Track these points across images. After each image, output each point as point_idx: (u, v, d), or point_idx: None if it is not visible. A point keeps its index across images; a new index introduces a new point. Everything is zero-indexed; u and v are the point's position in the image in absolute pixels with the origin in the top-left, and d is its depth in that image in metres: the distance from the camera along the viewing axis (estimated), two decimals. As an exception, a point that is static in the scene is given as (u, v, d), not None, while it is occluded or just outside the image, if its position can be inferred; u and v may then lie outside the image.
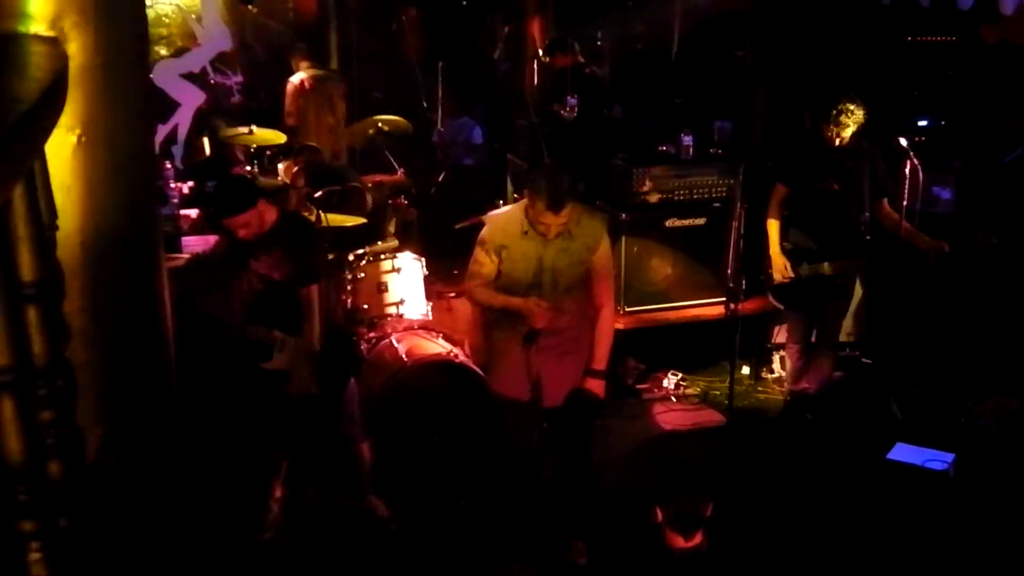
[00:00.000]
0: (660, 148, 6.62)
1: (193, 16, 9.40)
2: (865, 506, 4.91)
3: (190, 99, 8.91)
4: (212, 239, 5.34)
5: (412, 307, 5.64)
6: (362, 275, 5.58)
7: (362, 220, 5.62)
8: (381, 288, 5.60)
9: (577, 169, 7.07)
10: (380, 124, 7.31)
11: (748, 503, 4.90)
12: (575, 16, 10.06)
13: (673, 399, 6.32)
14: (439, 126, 9.36)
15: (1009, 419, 5.67)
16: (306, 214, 5.57)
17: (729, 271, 5.08)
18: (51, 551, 1.79)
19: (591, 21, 10.59)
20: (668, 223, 6.32)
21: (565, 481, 4.51)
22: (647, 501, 3.77)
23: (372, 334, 5.61)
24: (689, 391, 6.40)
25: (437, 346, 5.43)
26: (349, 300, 5.53)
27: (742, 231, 5.23)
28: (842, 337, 6.25)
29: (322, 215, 5.06)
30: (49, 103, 1.87)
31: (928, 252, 5.54)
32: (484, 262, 4.21)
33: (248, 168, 7.32)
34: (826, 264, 5.59)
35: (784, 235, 5.65)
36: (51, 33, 2.13)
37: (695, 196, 6.39)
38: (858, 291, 6.20)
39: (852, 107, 5.33)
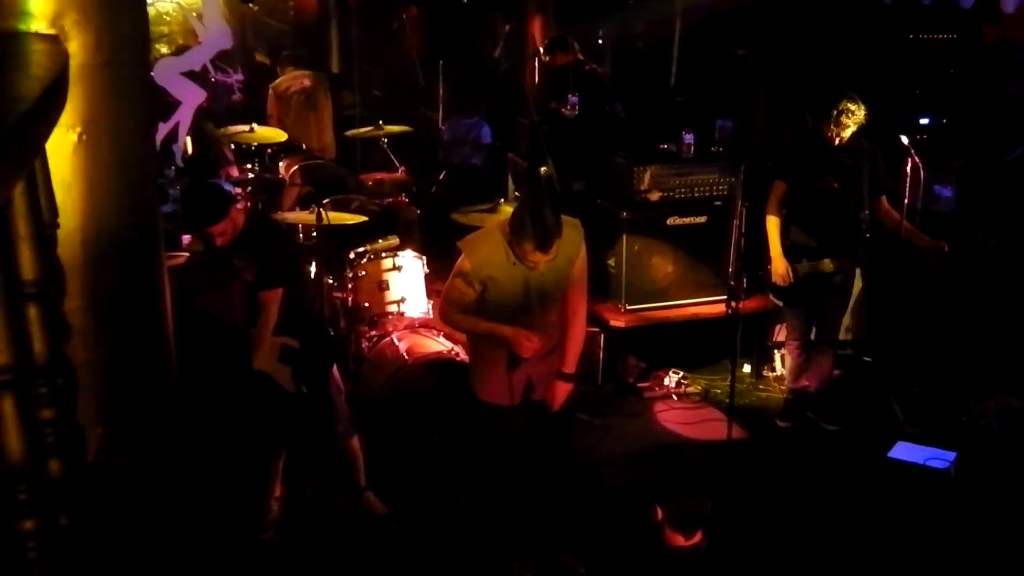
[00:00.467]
0: (661, 146, 6.62)
1: (194, 14, 9.41)
2: (866, 505, 4.92)
3: (191, 97, 8.91)
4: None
5: (413, 305, 5.64)
6: (363, 273, 5.59)
7: (363, 219, 5.62)
8: (382, 286, 5.60)
9: (578, 167, 7.12)
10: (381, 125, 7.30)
11: (748, 502, 4.90)
12: (576, 15, 10.07)
13: (674, 397, 6.32)
14: (440, 125, 9.37)
15: (1010, 418, 5.67)
16: (307, 213, 5.58)
17: (730, 269, 5.07)
18: (51, 550, 1.79)
19: (592, 20, 10.59)
20: (669, 221, 6.32)
21: (545, 491, 4.49)
22: (647, 500, 3.77)
23: (373, 332, 5.61)
24: (690, 389, 6.40)
25: (438, 344, 5.43)
26: (350, 298, 5.54)
27: (743, 230, 5.22)
28: (843, 336, 6.25)
29: (323, 214, 5.07)
30: (50, 101, 1.87)
31: (927, 251, 5.53)
32: (465, 291, 4.07)
33: (243, 167, 7.33)
34: (826, 261, 5.59)
35: (784, 233, 5.65)
36: (52, 31, 2.13)
37: (696, 194, 6.39)
38: (857, 288, 6.19)
39: (852, 107, 5.33)
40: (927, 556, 4.51)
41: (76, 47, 2.17)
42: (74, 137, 2.21)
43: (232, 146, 7.58)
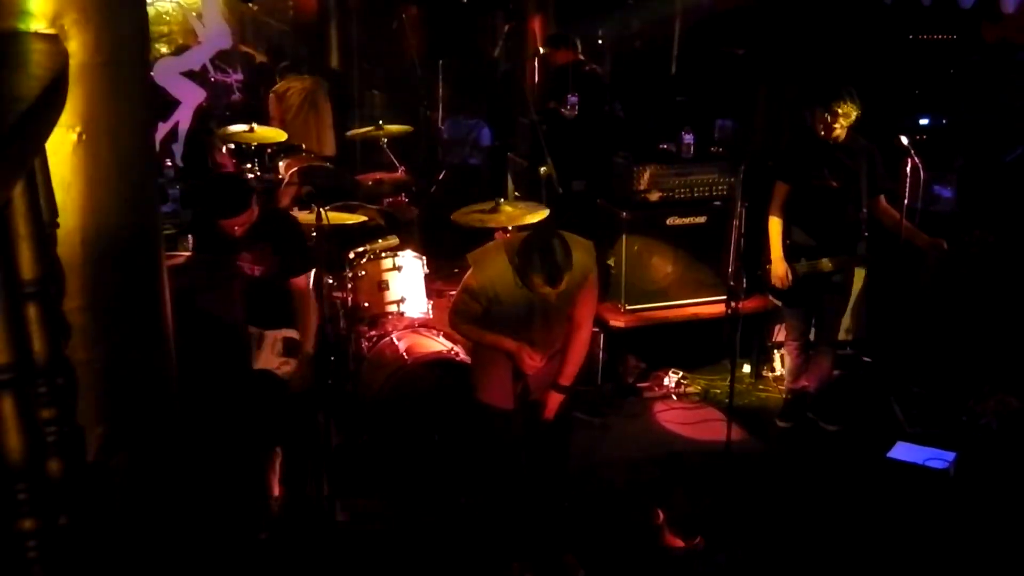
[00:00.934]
0: (661, 146, 6.62)
1: (194, 14, 9.41)
2: (866, 505, 4.91)
3: (191, 97, 8.92)
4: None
5: (413, 305, 5.64)
6: (363, 273, 5.59)
7: (363, 219, 5.62)
8: (382, 286, 5.60)
9: (577, 167, 7.12)
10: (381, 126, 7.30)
11: (748, 502, 4.90)
12: (576, 14, 10.07)
13: (674, 397, 6.32)
14: (440, 124, 9.38)
15: (1010, 418, 5.67)
16: (307, 213, 5.57)
17: (730, 269, 5.07)
18: (51, 550, 1.79)
19: (592, 19, 10.60)
20: (669, 221, 6.32)
21: (543, 491, 4.50)
22: (649, 501, 3.78)
23: (372, 332, 5.61)
24: (690, 390, 6.40)
25: (438, 344, 5.43)
26: (350, 298, 5.53)
27: (743, 230, 5.22)
28: (842, 336, 6.25)
29: (323, 213, 5.06)
30: (50, 101, 1.87)
31: (927, 250, 5.53)
32: (471, 306, 4.08)
33: (243, 166, 7.33)
34: (824, 261, 5.60)
35: (785, 233, 5.65)
36: (51, 31, 2.13)
37: (696, 194, 6.39)
38: (857, 288, 6.19)
39: (849, 103, 5.34)
40: (927, 556, 4.51)
41: (76, 46, 2.17)
42: (74, 137, 2.21)
43: (224, 150, 7.58)
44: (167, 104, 8.65)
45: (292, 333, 4.65)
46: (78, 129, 2.21)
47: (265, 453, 4.79)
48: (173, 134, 8.76)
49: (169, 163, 8.08)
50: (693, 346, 6.51)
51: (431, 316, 5.73)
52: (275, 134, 7.36)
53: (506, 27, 10.09)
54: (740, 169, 5.24)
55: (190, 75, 9.05)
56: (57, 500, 1.86)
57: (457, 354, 5.28)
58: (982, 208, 6.45)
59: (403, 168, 7.49)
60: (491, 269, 4.04)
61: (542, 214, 5.76)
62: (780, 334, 6.36)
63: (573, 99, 7.40)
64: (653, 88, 10.01)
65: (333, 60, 11.42)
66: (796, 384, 6.00)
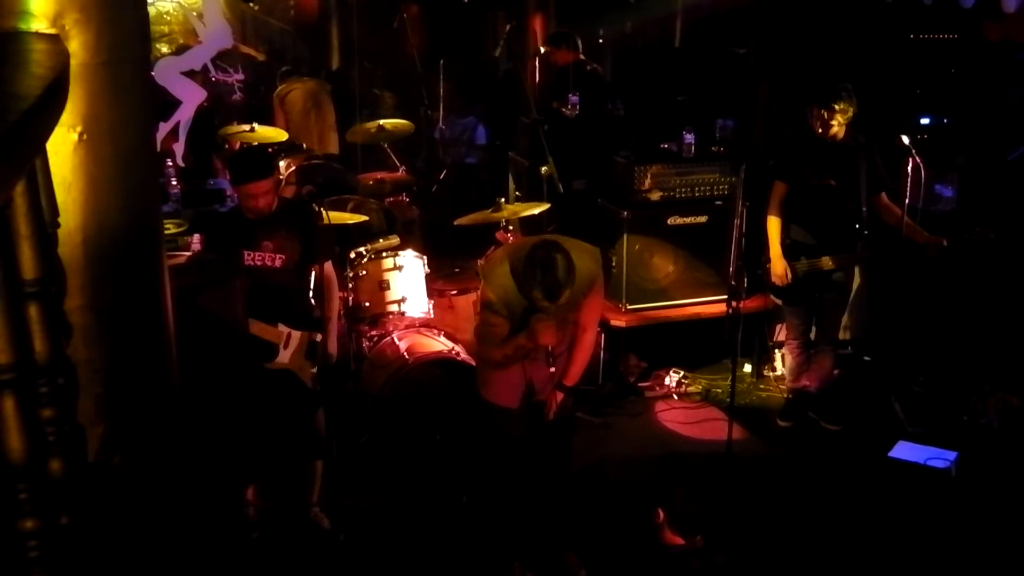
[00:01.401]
0: (662, 146, 6.62)
1: (195, 13, 9.41)
2: (867, 504, 4.91)
3: (191, 97, 8.90)
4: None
5: (413, 305, 5.63)
6: (363, 273, 5.59)
7: (363, 218, 5.62)
8: (383, 286, 5.60)
9: (579, 166, 7.12)
10: (382, 125, 7.29)
11: (748, 501, 4.90)
12: (577, 13, 10.07)
13: (675, 397, 6.32)
14: (440, 124, 9.38)
15: (1011, 417, 5.66)
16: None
17: (731, 269, 5.07)
18: (52, 549, 1.79)
19: (592, 18, 10.59)
20: (670, 221, 6.31)
21: (545, 491, 4.49)
22: (650, 500, 3.77)
23: (373, 332, 5.61)
24: (691, 389, 6.40)
25: (439, 344, 5.43)
26: (351, 297, 5.53)
27: (744, 229, 5.22)
28: (843, 335, 6.25)
29: (324, 212, 5.05)
30: (50, 101, 1.87)
31: (927, 247, 5.53)
32: (497, 322, 4.05)
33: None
34: (825, 259, 5.60)
35: (783, 231, 5.65)
36: (52, 31, 2.13)
37: (697, 194, 6.39)
38: (857, 287, 6.19)
39: (846, 100, 5.35)
40: (927, 556, 4.51)
41: (77, 46, 2.17)
42: (75, 136, 2.21)
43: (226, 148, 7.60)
44: (168, 104, 8.64)
45: (318, 336, 4.63)
46: (79, 129, 2.21)
47: (265, 453, 4.78)
48: (174, 134, 8.75)
49: (170, 163, 8.07)
50: (694, 346, 6.51)
51: (432, 316, 5.73)
52: (276, 134, 7.36)
53: (507, 26, 10.07)
54: (741, 168, 5.24)
55: (191, 75, 9.04)
56: (58, 500, 1.86)
57: (458, 354, 5.28)
58: (983, 207, 6.44)
59: (404, 168, 7.48)
60: (500, 279, 4.03)
61: (542, 206, 5.78)
62: (781, 333, 6.36)
63: (574, 98, 7.39)
64: (654, 87, 10.00)
65: (334, 59, 11.43)
66: (797, 383, 5.99)
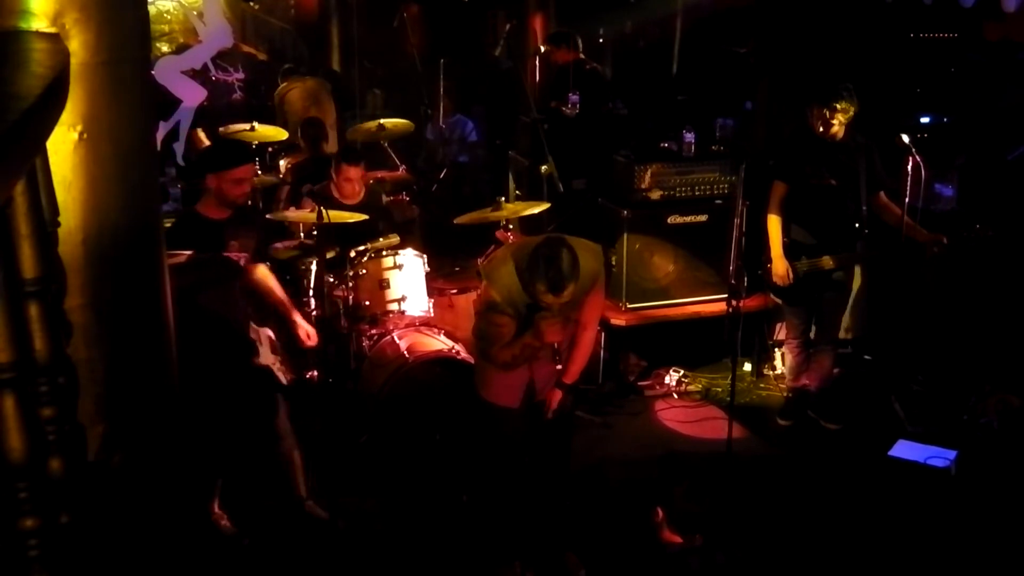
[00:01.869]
0: (662, 145, 6.62)
1: (195, 12, 9.41)
2: (867, 504, 4.91)
3: (192, 96, 8.91)
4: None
5: (413, 304, 5.63)
6: (364, 272, 5.59)
7: (363, 217, 5.62)
8: (383, 285, 5.60)
9: (579, 165, 7.12)
10: (383, 124, 7.29)
11: (748, 500, 4.90)
12: (577, 13, 10.07)
13: (675, 396, 6.32)
14: (440, 123, 9.38)
15: (1011, 416, 5.66)
16: (307, 212, 5.58)
17: (731, 268, 5.07)
18: (52, 548, 1.79)
19: (592, 18, 10.59)
20: (670, 220, 6.31)
21: (545, 490, 4.50)
22: (649, 499, 3.78)
23: (373, 331, 5.61)
24: (691, 388, 6.40)
25: (439, 343, 5.43)
26: (351, 296, 5.54)
27: (744, 228, 5.22)
28: (843, 334, 6.25)
29: (323, 211, 5.06)
30: (51, 100, 1.87)
31: (927, 245, 5.53)
32: (504, 322, 4.02)
33: None
34: (825, 259, 5.60)
35: (783, 231, 5.65)
36: (53, 30, 2.13)
37: (697, 193, 6.39)
38: (857, 286, 6.19)
39: (846, 99, 5.35)
40: (927, 555, 4.51)
41: (77, 45, 2.17)
42: (75, 135, 2.21)
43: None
44: (168, 103, 8.65)
45: (270, 331, 4.70)
46: (79, 128, 2.21)
47: (264, 453, 4.79)
48: (174, 133, 8.76)
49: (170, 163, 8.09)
50: (694, 345, 6.50)
51: (432, 314, 5.73)
52: (276, 133, 7.36)
53: (507, 26, 10.08)
54: (741, 168, 5.24)
55: (191, 74, 9.04)
56: (58, 499, 1.86)
57: (458, 352, 5.28)
58: (983, 206, 6.44)
59: (404, 167, 7.49)
60: (504, 278, 4.02)
61: (542, 205, 5.78)
62: (781, 332, 6.36)
63: (574, 98, 7.40)
64: (654, 87, 10.00)
65: (334, 59, 11.43)
66: (797, 382, 6.00)
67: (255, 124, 7.12)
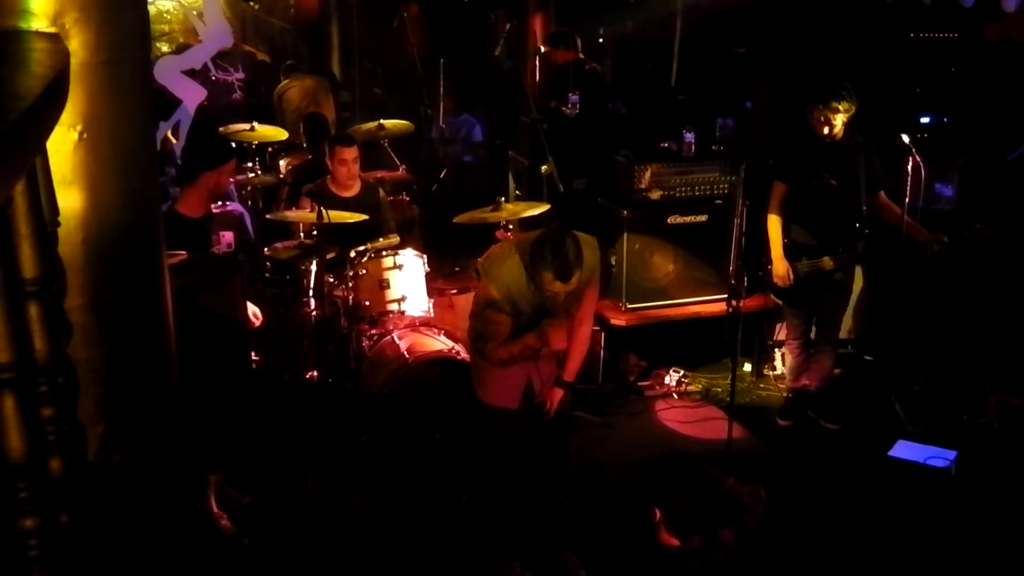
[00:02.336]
0: (662, 145, 6.62)
1: (195, 12, 9.39)
2: (867, 504, 4.91)
3: (192, 96, 8.89)
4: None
5: (413, 304, 5.64)
6: (363, 272, 5.59)
7: (363, 217, 5.62)
8: (383, 285, 5.60)
9: (578, 165, 7.12)
10: (382, 124, 7.29)
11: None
12: (577, 13, 10.07)
13: (675, 396, 6.32)
14: (440, 123, 9.38)
15: (1011, 417, 5.66)
16: (307, 212, 5.58)
17: (731, 268, 5.07)
18: (52, 548, 1.79)
19: (592, 18, 10.59)
20: (670, 220, 6.31)
21: (545, 490, 4.49)
22: (648, 500, 3.77)
23: (373, 331, 5.61)
24: (691, 388, 6.39)
25: (439, 343, 5.43)
26: (351, 296, 5.54)
27: (744, 228, 5.22)
28: (843, 334, 6.24)
29: (324, 212, 5.06)
30: (51, 100, 1.87)
31: (927, 244, 5.53)
32: (501, 320, 4.01)
33: (244, 165, 7.34)
34: (825, 259, 5.59)
35: (784, 232, 5.64)
36: (53, 30, 2.13)
37: (697, 193, 6.39)
38: (857, 287, 6.19)
39: (845, 98, 5.35)
40: (927, 555, 4.51)
41: (77, 45, 2.17)
42: (75, 135, 2.21)
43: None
44: (168, 103, 8.64)
45: None
46: (79, 128, 2.21)
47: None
48: (175, 133, 8.75)
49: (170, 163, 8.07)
50: (694, 345, 6.50)
51: (432, 315, 5.73)
52: (276, 133, 7.36)
53: (507, 25, 10.08)
54: (741, 168, 5.24)
55: (191, 74, 9.03)
56: (58, 499, 1.86)
57: (458, 353, 5.28)
58: (983, 206, 6.44)
59: (404, 167, 7.48)
60: (505, 274, 4.02)
61: (542, 206, 5.77)
62: (781, 333, 6.36)
63: (574, 98, 7.40)
64: (654, 86, 10.00)
65: (334, 59, 11.43)
66: (797, 383, 5.99)
67: (255, 124, 7.13)
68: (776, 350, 6.55)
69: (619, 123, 7.83)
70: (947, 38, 8.40)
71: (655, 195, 6.31)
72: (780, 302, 5.91)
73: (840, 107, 5.36)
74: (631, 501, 4.75)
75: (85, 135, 2.22)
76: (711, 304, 6.32)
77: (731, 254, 5.06)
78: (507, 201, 5.83)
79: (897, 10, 7.66)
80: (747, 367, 6.56)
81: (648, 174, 6.29)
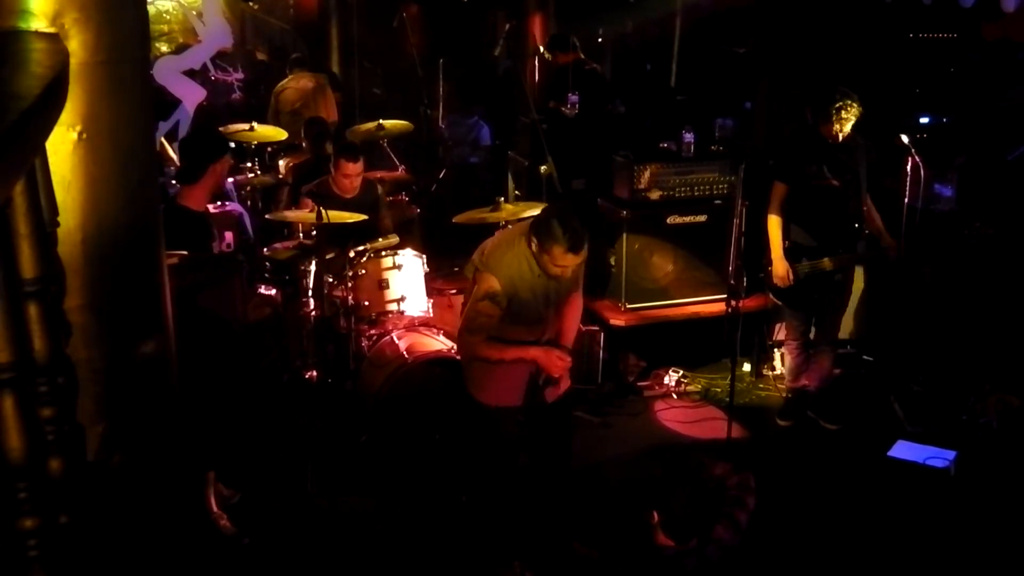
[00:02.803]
0: (661, 145, 6.62)
1: (194, 12, 9.40)
2: (866, 504, 4.91)
3: (191, 96, 8.91)
4: None
5: (413, 304, 5.64)
6: (363, 272, 5.59)
7: (363, 217, 5.62)
8: (382, 285, 5.60)
9: (578, 166, 7.12)
10: (382, 124, 7.29)
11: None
12: (576, 13, 10.07)
13: (674, 396, 6.32)
14: (440, 123, 9.38)
15: (1010, 417, 5.66)
16: (306, 212, 5.58)
17: (730, 268, 5.07)
18: (51, 548, 1.79)
19: (592, 18, 10.60)
20: (669, 220, 6.31)
21: (546, 488, 4.50)
22: (645, 500, 3.77)
23: (373, 331, 5.61)
24: (690, 388, 6.39)
25: (438, 343, 5.43)
26: (350, 296, 5.54)
27: (743, 228, 5.22)
28: (843, 335, 6.24)
29: (322, 211, 5.06)
30: (50, 100, 1.87)
31: (887, 248, 5.59)
32: (493, 314, 3.99)
33: (243, 165, 7.34)
34: (826, 260, 5.59)
35: (784, 233, 5.64)
36: (52, 30, 2.13)
37: (696, 193, 6.39)
38: (858, 288, 6.20)
39: (849, 101, 5.34)
40: (927, 555, 4.51)
41: (76, 45, 2.17)
42: (74, 135, 2.21)
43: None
44: (167, 103, 8.64)
45: None
46: (78, 128, 2.21)
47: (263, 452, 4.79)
48: (173, 133, 8.75)
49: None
50: (693, 345, 6.50)
51: (431, 315, 5.73)
52: (275, 133, 7.36)
53: (506, 26, 10.09)
54: (740, 168, 5.24)
55: (191, 74, 9.04)
56: (57, 499, 1.86)
57: (458, 353, 5.28)
58: (983, 206, 6.44)
59: (404, 167, 7.48)
60: (509, 265, 4.02)
61: (542, 206, 5.77)
62: (780, 333, 6.36)
63: (574, 98, 7.40)
64: (653, 87, 10.01)
65: (333, 59, 11.43)
66: (796, 383, 5.99)
67: (255, 124, 7.12)
68: (775, 350, 6.56)
69: (618, 123, 7.83)
70: (946, 38, 8.41)
71: (654, 195, 6.31)
72: (780, 303, 5.91)
73: (852, 112, 5.34)
74: (630, 501, 4.76)
75: (84, 135, 2.22)
76: (710, 304, 6.32)
77: (730, 254, 5.06)
78: (506, 201, 5.83)
79: (897, 10, 7.67)
80: (746, 367, 6.56)
81: (647, 174, 6.29)
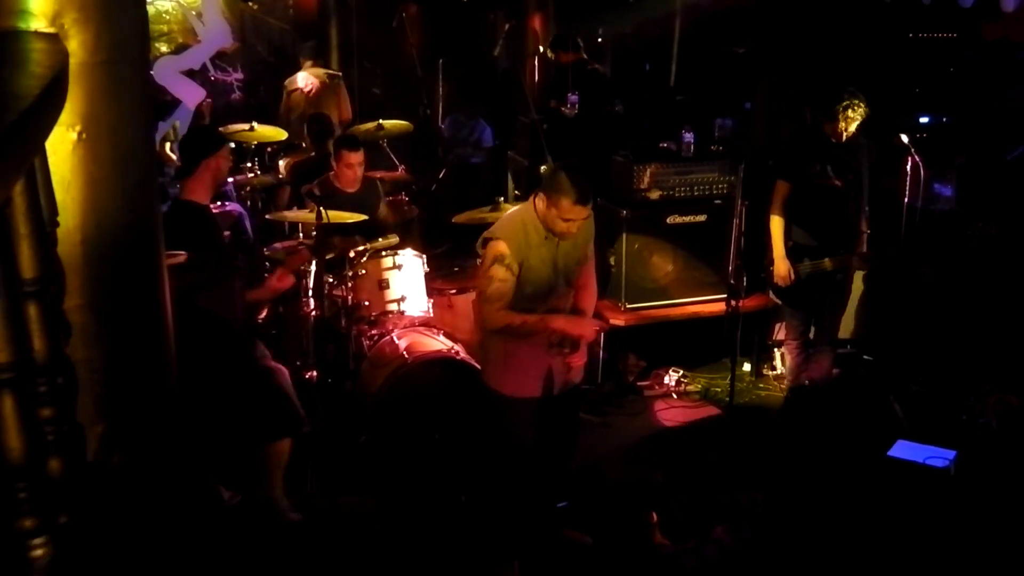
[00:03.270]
0: (661, 145, 6.62)
1: (194, 12, 9.39)
2: (866, 503, 4.91)
3: (191, 96, 8.89)
4: None
5: (413, 304, 5.64)
6: (363, 272, 5.59)
7: (363, 217, 5.62)
8: (382, 285, 5.60)
9: (578, 166, 7.12)
10: (381, 124, 7.29)
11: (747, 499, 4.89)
12: (576, 12, 10.08)
13: (674, 396, 6.32)
14: (440, 123, 9.38)
15: (1010, 416, 5.66)
16: (306, 212, 5.59)
17: (730, 268, 5.08)
18: (51, 549, 1.79)
19: (592, 17, 10.60)
20: (669, 220, 6.32)
21: (545, 491, 4.49)
22: (646, 501, 3.78)
23: (373, 331, 5.61)
24: (690, 388, 6.40)
25: (438, 343, 5.43)
26: (350, 296, 5.54)
27: (743, 228, 5.22)
28: (843, 334, 6.25)
29: (322, 211, 5.06)
30: (50, 100, 1.87)
31: (858, 255, 5.62)
32: (506, 278, 3.99)
33: (243, 166, 7.34)
34: (827, 260, 5.59)
35: (786, 232, 5.64)
36: (51, 30, 2.13)
37: (696, 193, 6.39)
38: (858, 288, 6.20)
39: (856, 101, 5.34)
40: (927, 555, 4.51)
41: (76, 45, 2.17)
42: (74, 135, 2.21)
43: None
44: (167, 103, 8.63)
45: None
46: (78, 128, 2.21)
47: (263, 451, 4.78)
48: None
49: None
50: (693, 344, 6.51)
51: (431, 315, 5.73)
52: (275, 133, 7.36)
53: (506, 26, 10.10)
54: (740, 168, 5.25)
55: (190, 74, 9.03)
56: (57, 499, 1.86)
57: (458, 353, 5.28)
58: (982, 206, 6.45)
59: (403, 167, 7.48)
60: (515, 230, 4.04)
61: None
62: (780, 333, 6.36)
63: (573, 98, 7.40)
64: (653, 87, 10.01)
65: (333, 59, 11.43)
66: (797, 383, 5.99)
67: (254, 124, 7.12)
68: (776, 350, 6.56)
69: (618, 123, 7.83)
70: (946, 38, 8.41)
71: (654, 195, 6.31)
72: (780, 302, 5.91)
73: (859, 112, 5.33)
74: (630, 500, 4.76)
75: (84, 135, 2.22)
76: (710, 304, 6.32)
77: (730, 254, 5.07)
78: (506, 201, 5.83)
79: (896, 10, 7.67)
80: (746, 367, 6.56)
81: (647, 174, 6.29)
